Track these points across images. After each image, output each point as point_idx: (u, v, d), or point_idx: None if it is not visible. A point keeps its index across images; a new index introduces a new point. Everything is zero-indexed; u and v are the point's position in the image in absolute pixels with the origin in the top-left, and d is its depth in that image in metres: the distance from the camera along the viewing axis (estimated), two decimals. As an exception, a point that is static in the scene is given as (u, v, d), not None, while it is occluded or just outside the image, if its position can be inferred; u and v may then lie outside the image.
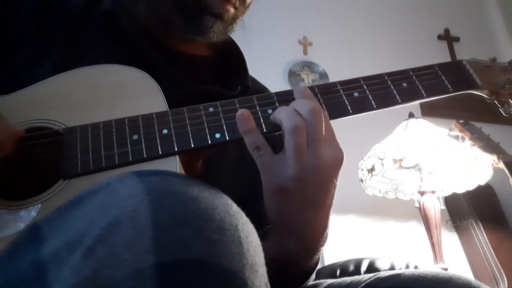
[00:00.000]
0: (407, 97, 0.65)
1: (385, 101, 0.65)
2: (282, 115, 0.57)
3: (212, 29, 0.74)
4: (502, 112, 0.71)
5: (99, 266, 0.31)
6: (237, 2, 0.75)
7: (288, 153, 0.55)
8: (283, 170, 0.55)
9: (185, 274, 0.31)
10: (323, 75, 2.43)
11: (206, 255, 0.32)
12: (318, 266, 0.76)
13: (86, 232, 0.33)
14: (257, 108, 0.61)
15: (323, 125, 0.56)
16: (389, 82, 0.66)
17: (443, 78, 0.68)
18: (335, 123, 0.62)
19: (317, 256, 0.65)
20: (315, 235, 0.60)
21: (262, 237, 0.67)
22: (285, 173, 0.55)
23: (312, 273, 0.68)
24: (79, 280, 0.30)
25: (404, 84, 0.66)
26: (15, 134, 0.57)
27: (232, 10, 0.75)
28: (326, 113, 0.59)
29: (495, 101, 0.71)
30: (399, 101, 0.65)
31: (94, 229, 0.33)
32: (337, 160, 0.56)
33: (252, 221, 0.40)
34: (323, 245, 0.62)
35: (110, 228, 0.32)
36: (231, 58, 0.85)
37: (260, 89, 0.88)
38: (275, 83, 2.27)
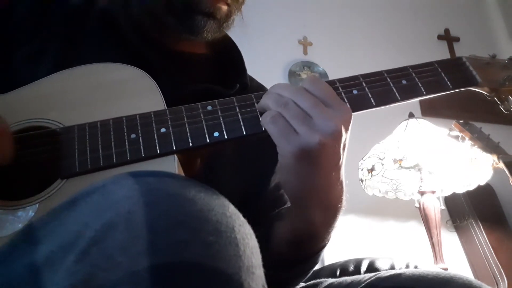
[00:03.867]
0: (406, 95, 0.65)
1: (385, 99, 0.64)
2: (268, 100, 0.58)
3: (205, 29, 0.74)
4: (502, 109, 0.71)
5: (93, 269, 0.30)
6: (228, 2, 0.75)
7: (294, 125, 0.55)
8: (299, 137, 0.55)
9: (181, 277, 0.30)
10: (323, 75, 2.43)
11: (202, 257, 0.32)
12: (318, 266, 0.76)
13: (81, 235, 0.32)
14: (256, 106, 0.61)
15: (311, 95, 0.56)
16: (389, 79, 0.65)
17: (443, 75, 0.68)
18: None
19: (332, 229, 0.66)
20: (336, 201, 0.62)
21: (276, 218, 0.67)
22: (303, 139, 0.55)
23: (324, 248, 0.69)
24: (73, 283, 0.30)
25: (404, 81, 0.66)
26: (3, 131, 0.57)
27: (224, 7, 0.74)
28: (316, 84, 0.59)
29: (495, 98, 0.71)
30: (399, 98, 0.64)
31: (88, 231, 0.32)
32: (346, 118, 0.57)
33: (251, 221, 0.40)
34: (341, 211, 0.64)
35: (104, 230, 0.32)
36: (229, 56, 0.85)
37: (258, 87, 0.88)
38: (275, 83, 2.26)
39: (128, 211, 0.33)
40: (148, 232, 0.32)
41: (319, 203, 0.61)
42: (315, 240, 0.66)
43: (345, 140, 0.57)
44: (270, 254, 0.64)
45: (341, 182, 0.62)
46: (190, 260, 0.31)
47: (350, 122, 0.57)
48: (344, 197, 0.64)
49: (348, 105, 0.60)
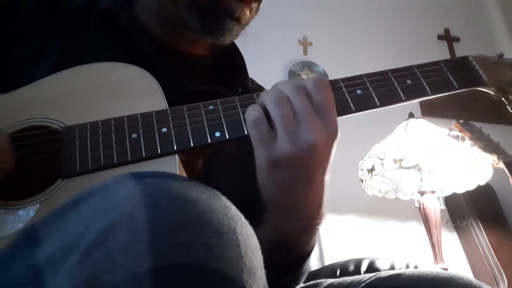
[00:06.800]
0: (411, 94, 0.64)
1: (389, 99, 0.63)
2: (266, 96, 0.57)
3: (231, 32, 0.74)
4: (509, 109, 0.69)
5: (95, 271, 0.30)
6: (254, 7, 0.75)
7: (277, 128, 0.54)
8: (275, 145, 0.54)
9: (182, 279, 0.30)
10: (323, 75, 2.43)
11: (204, 259, 0.32)
12: (318, 266, 0.76)
13: (83, 236, 0.32)
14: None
15: (307, 98, 0.56)
16: (393, 79, 0.64)
17: (449, 74, 0.66)
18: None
19: (313, 240, 0.65)
20: (312, 213, 0.60)
21: (258, 225, 0.67)
22: (278, 147, 0.54)
23: (307, 258, 0.67)
24: (75, 284, 0.30)
25: (408, 81, 0.64)
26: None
27: (248, 13, 0.74)
28: (318, 88, 0.57)
29: (502, 98, 0.69)
30: (403, 98, 0.63)
31: (90, 232, 0.32)
32: (331, 135, 0.56)
33: (252, 222, 0.40)
34: (319, 224, 0.62)
35: (106, 231, 0.32)
36: (231, 59, 0.85)
37: (258, 89, 0.88)
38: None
39: (130, 213, 0.33)
40: (149, 233, 0.32)
41: (290, 212, 0.60)
42: (292, 249, 0.64)
43: (325, 157, 0.56)
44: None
45: (318, 197, 0.60)
46: (192, 261, 0.31)
47: (334, 140, 0.56)
48: (322, 213, 0.61)
49: (337, 122, 0.57)
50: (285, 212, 0.60)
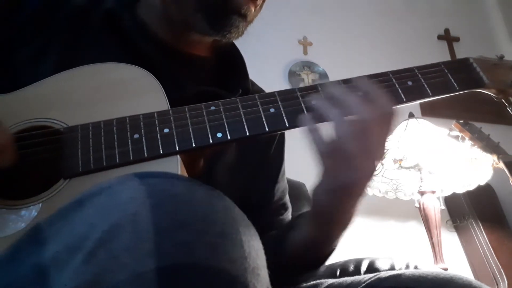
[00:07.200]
0: (412, 96, 0.64)
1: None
2: (328, 110, 0.58)
3: (237, 29, 0.74)
4: (509, 111, 0.70)
5: (100, 270, 0.31)
6: (259, 4, 0.76)
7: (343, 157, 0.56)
8: (344, 171, 0.56)
9: (186, 279, 0.31)
10: (323, 75, 2.43)
11: (208, 259, 0.32)
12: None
13: (87, 236, 0.33)
14: (259, 106, 0.61)
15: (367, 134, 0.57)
16: (394, 80, 0.65)
17: (449, 76, 0.67)
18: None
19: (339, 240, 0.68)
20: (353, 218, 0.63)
21: (293, 224, 0.68)
22: (346, 174, 0.56)
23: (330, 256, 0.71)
24: (79, 284, 0.30)
25: (409, 83, 0.65)
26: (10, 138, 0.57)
27: (253, 10, 0.75)
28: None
29: (503, 100, 0.70)
30: (404, 100, 0.63)
31: (95, 232, 0.32)
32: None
33: (254, 222, 0.40)
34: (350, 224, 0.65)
35: (111, 231, 0.32)
36: (231, 61, 0.85)
37: (259, 91, 0.89)
38: (275, 83, 2.27)
39: (134, 213, 0.33)
40: (154, 233, 0.32)
41: (353, 197, 0.61)
42: (329, 244, 0.67)
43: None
44: (287, 257, 0.66)
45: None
46: (196, 261, 0.31)
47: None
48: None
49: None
50: (341, 213, 0.61)
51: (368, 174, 0.56)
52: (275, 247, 0.68)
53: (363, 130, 0.55)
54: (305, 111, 0.61)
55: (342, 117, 0.56)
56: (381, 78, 0.65)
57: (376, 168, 0.57)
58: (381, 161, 0.57)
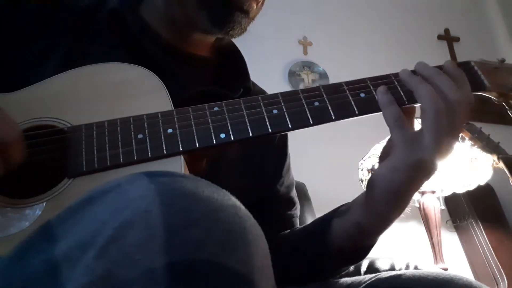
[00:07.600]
0: (414, 97, 0.64)
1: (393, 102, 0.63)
2: (424, 93, 0.60)
3: (240, 25, 0.75)
4: (510, 114, 0.70)
5: (111, 266, 0.31)
6: (260, 1, 0.76)
7: (427, 134, 0.58)
8: (423, 147, 0.58)
9: (196, 275, 0.31)
10: (323, 75, 2.43)
11: (217, 256, 0.32)
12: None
13: (99, 232, 0.33)
14: (262, 107, 0.61)
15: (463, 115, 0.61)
16: (396, 83, 0.65)
17: None
18: (336, 124, 0.62)
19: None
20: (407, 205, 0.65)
21: (335, 215, 0.69)
22: (425, 150, 0.58)
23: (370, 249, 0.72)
24: (91, 279, 0.31)
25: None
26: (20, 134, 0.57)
27: (255, 7, 0.75)
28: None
29: (503, 103, 0.71)
30: (406, 102, 0.64)
31: (106, 229, 0.33)
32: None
33: (261, 219, 0.40)
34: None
35: (122, 228, 0.33)
36: (232, 61, 0.86)
37: (260, 91, 0.89)
38: (275, 83, 2.27)
39: (145, 210, 0.33)
40: (164, 231, 0.32)
41: (396, 208, 0.64)
42: (375, 234, 0.69)
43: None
44: (330, 249, 0.67)
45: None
46: (205, 258, 0.32)
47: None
48: None
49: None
50: (394, 208, 0.64)
51: (443, 153, 0.59)
52: (315, 236, 0.70)
53: (451, 109, 0.59)
54: (307, 112, 0.61)
55: (434, 94, 0.59)
56: (383, 81, 0.65)
57: (451, 151, 0.59)
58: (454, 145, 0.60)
